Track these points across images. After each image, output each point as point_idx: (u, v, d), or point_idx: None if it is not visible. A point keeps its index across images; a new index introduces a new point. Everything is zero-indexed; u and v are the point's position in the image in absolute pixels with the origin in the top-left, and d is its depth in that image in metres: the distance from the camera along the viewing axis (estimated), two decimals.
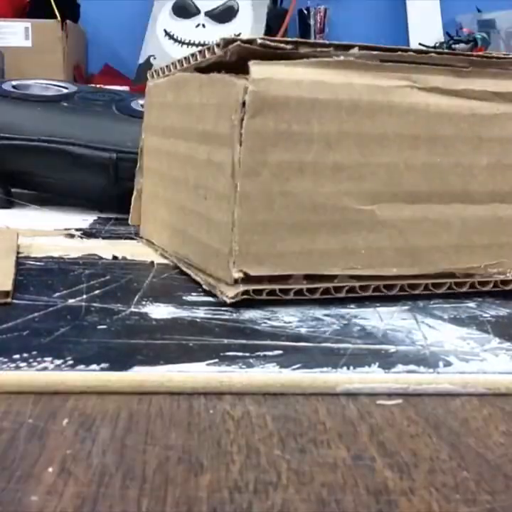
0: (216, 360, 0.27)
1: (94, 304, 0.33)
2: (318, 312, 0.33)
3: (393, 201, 0.35)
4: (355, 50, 0.33)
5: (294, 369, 0.27)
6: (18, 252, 0.41)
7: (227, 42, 0.33)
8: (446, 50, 0.35)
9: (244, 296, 0.33)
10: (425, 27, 1.81)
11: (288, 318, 0.32)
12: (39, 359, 0.26)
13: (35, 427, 0.22)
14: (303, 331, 0.31)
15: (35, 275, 0.38)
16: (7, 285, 0.33)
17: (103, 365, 0.26)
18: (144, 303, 0.33)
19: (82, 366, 0.26)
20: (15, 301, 0.33)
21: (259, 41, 0.32)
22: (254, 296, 0.33)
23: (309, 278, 0.35)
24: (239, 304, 0.33)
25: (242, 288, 0.33)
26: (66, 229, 0.49)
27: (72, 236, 0.47)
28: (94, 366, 0.26)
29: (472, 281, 0.37)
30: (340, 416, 0.24)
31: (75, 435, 0.22)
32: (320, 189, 0.34)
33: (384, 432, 0.23)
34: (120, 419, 0.23)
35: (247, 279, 0.33)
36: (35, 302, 0.33)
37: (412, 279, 0.36)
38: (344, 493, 0.19)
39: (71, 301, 0.33)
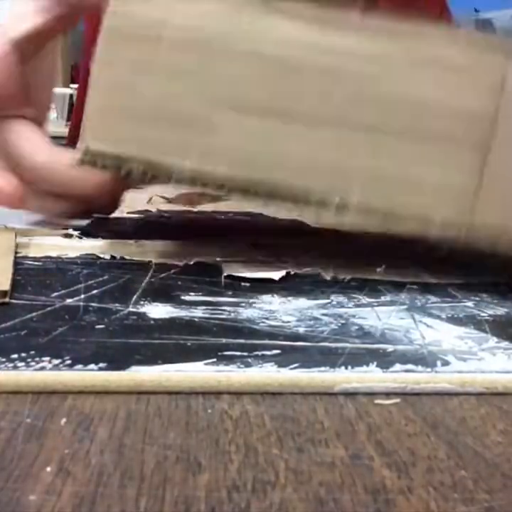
0: (214, 359, 0.27)
1: (92, 304, 0.33)
2: (317, 312, 0.33)
3: (235, 111, 0.37)
4: None
5: (292, 368, 0.27)
6: (16, 252, 0.41)
7: None
8: None
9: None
10: None
11: (286, 317, 0.32)
12: (37, 359, 0.26)
13: (33, 427, 0.22)
14: (301, 330, 0.31)
15: (33, 275, 0.38)
16: (5, 285, 0.33)
17: (101, 364, 0.26)
18: (142, 303, 0.33)
19: (80, 366, 0.26)
20: (13, 300, 0.33)
21: None
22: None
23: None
24: (237, 304, 0.34)
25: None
26: (64, 228, 0.49)
27: (70, 236, 0.47)
28: (92, 366, 0.26)
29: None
30: (339, 415, 0.24)
31: (73, 435, 0.22)
32: (164, 89, 0.38)
33: (382, 431, 0.23)
34: (118, 419, 0.23)
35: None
36: (33, 302, 0.33)
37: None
38: (342, 492, 0.19)
39: (69, 300, 0.33)
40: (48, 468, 0.20)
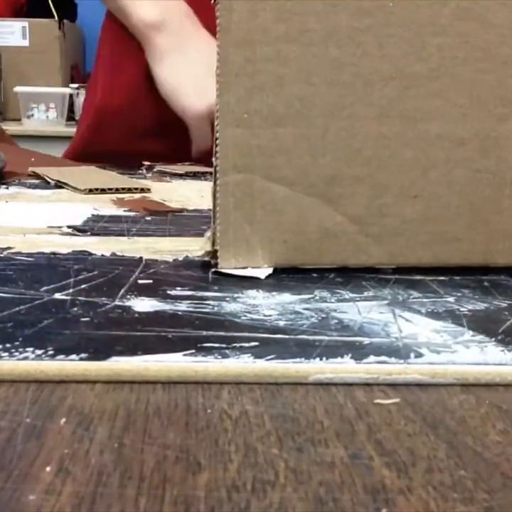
0: (193, 350, 0.27)
1: (80, 298, 0.33)
2: (299, 306, 0.34)
3: None
4: None
5: (268, 359, 0.27)
6: (9, 247, 0.42)
7: None
8: None
9: None
10: None
11: (268, 311, 0.33)
12: (21, 349, 0.27)
13: (33, 427, 0.22)
14: (281, 323, 0.31)
15: (25, 270, 0.38)
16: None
17: (82, 355, 0.27)
18: (128, 297, 0.34)
19: (62, 356, 0.26)
20: (2, 294, 0.33)
21: None
22: None
23: None
24: (222, 299, 0.34)
25: None
26: (59, 227, 0.49)
27: (64, 233, 0.47)
28: (73, 356, 0.26)
29: None
30: (338, 415, 0.24)
31: (73, 434, 0.22)
32: None
33: (381, 430, 0.23)
34: (118, 419, 0.23)
35: None
36: (22, 296, 0.33)
37: None
38: (342, 492, 0.19)
39: (57, 294, 0.34)
40: (48, 468, 0.20)
